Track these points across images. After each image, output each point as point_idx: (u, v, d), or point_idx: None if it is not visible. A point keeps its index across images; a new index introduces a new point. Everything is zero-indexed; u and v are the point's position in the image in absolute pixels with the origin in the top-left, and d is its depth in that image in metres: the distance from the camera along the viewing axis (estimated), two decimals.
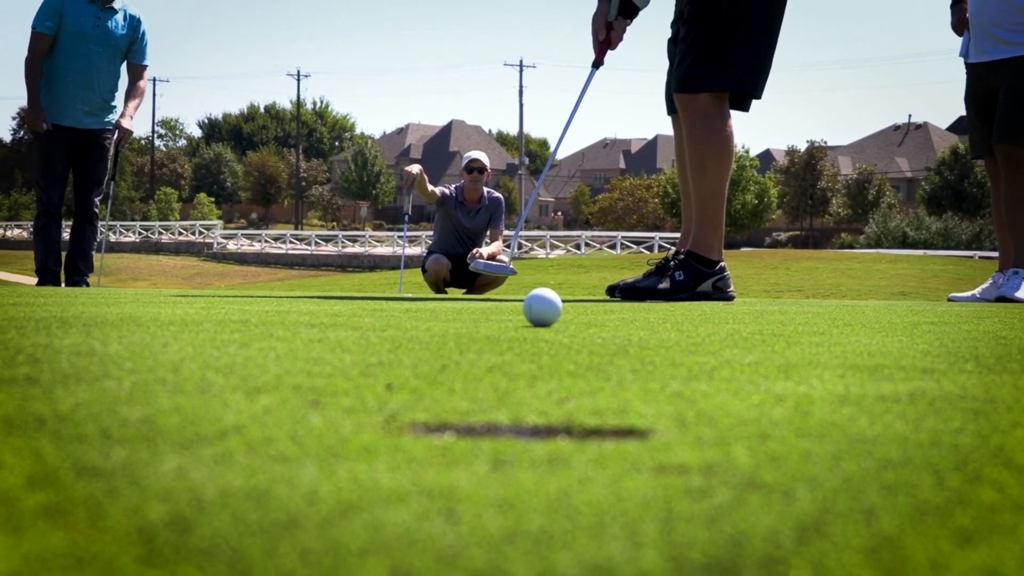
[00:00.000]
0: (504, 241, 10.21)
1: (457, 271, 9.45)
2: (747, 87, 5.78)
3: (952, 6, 7.63)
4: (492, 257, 9.17)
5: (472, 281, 9.46)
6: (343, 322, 3.30)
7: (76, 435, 1.27)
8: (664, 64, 6.08)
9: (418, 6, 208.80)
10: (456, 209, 9.61)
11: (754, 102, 5.88)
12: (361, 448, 1.21)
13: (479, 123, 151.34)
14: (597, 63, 6.11)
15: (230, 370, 1.92)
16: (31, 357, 2.07)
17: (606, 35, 6.00)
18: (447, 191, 9.68)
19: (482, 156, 9.85)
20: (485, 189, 9.75)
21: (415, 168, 9.42)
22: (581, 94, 6.30)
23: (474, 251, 9.25)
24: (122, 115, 8.60)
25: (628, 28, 6.03)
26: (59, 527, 0.86)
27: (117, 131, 8.60)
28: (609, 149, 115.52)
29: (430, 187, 9.43)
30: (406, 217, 11.04)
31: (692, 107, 5.76)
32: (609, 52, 6.08)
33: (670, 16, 6.02)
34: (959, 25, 7.54)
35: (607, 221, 75.80)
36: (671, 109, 6.05)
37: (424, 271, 9.61)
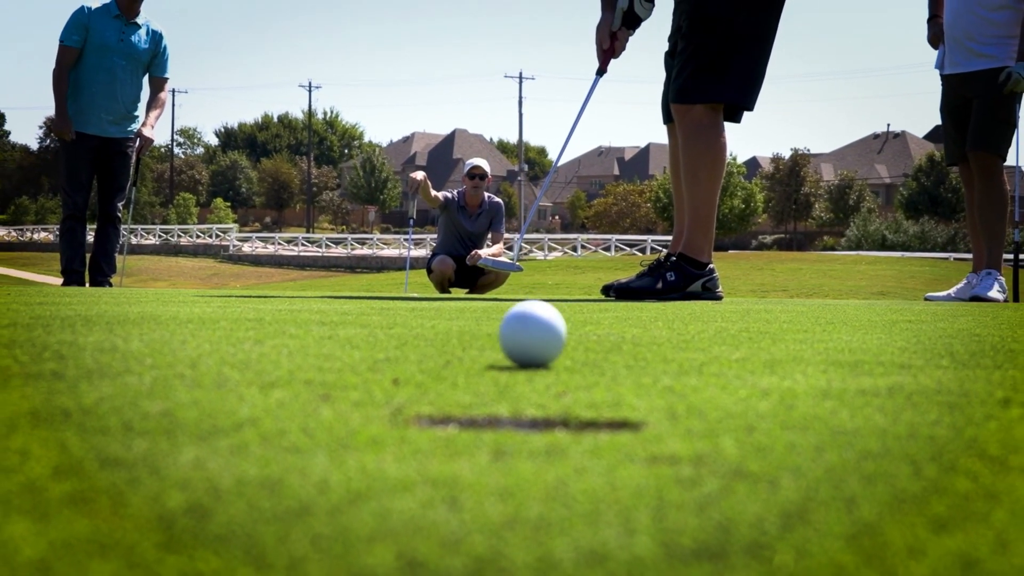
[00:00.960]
0: (506, 244, 10.20)
1: (460, 272, 9.44)
2: (741, 99, 5.76)
3: (928, 20, 7.63)
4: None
5: (474, 281, 9.46)
6: (352, 320, 3.30)
7: (99, 427, 1.27)
8: (660, 75, 6.06)
9: (423, 21, 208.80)
10: (458, 213, 9.61)
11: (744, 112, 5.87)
12: (369, 440, 1.21)
13: (481, 132, 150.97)
14: (601, 71, 6.10)
15: (245, 366, 1.92)
16: (57, 353, 2.07)
17: (610, 44, 5.99)
18: (449, 196, 9.68)
19: (483, 163, 9.85)
20: (486, 194, 9.75)
21: (419, 175, 9.42)
22: (585, 101, 6.29)
23: (473, 252, 9.25)
24: (144, 124, 8.60)
25: (631, 38, 6.02)
26: (83, 515, 0.86)
27: (139, 139, 8.60)
28: (604, 157, 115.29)
29: (433, 192, 9.44)
30: (411, 221, 11.04)
31: (688, 117, 5.74)
32: (612, 60, 6.07)
33: (665, 29, 6.02)
34: (935, 39, 7.54)
35: (602, 225, 75.77)
36: (667, 118, 6.03)
37: (430, 271, 9.59)
